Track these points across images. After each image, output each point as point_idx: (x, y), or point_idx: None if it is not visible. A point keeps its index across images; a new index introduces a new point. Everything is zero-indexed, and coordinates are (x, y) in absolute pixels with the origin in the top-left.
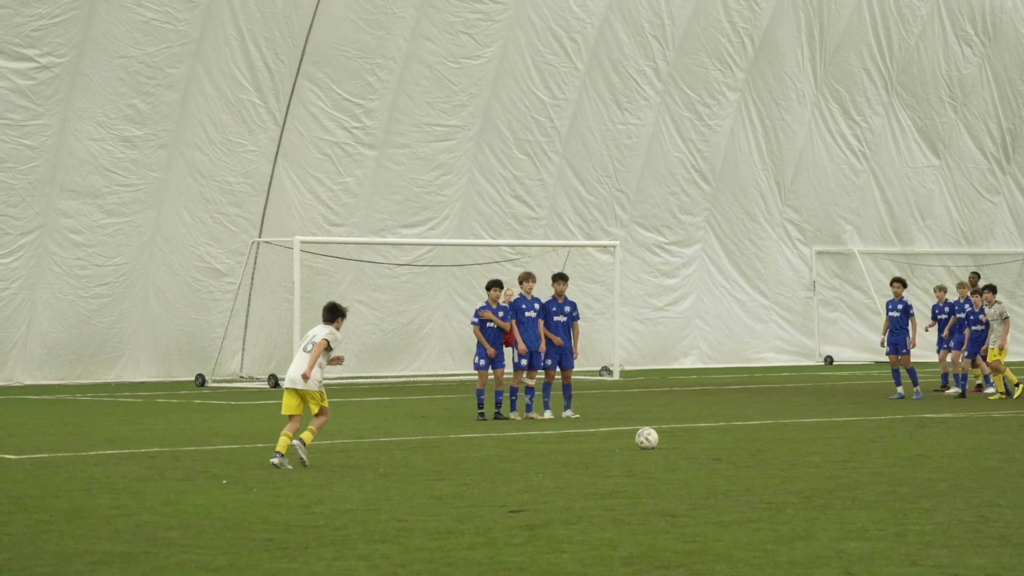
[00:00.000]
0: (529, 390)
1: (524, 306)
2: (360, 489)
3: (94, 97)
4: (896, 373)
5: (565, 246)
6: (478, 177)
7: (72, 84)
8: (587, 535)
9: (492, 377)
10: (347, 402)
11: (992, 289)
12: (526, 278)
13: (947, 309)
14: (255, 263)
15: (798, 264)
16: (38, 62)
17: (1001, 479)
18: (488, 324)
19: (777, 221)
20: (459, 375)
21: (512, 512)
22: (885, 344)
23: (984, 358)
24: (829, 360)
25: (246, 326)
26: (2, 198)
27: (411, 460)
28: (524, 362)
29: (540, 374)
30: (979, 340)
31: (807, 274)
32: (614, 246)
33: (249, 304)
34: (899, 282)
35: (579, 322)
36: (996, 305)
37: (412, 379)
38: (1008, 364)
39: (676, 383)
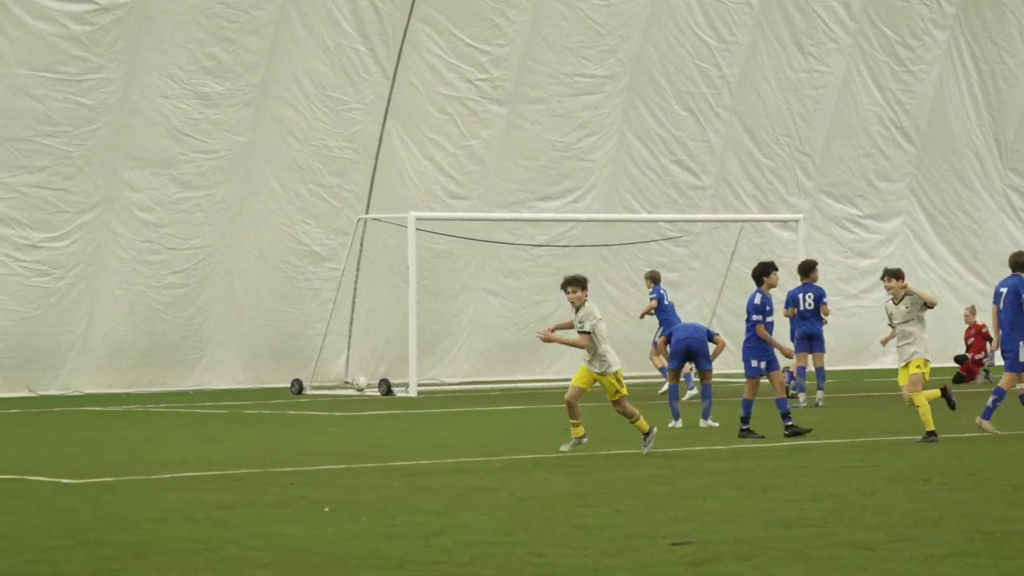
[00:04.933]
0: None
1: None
2: (491, 517)
3: (164, 45)
4: None
5: (737, 221)
6: (630, 138)
7: (138, 30)
8: (766, 572)
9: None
10: (474, 412)
11: None
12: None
13: None
14: (362, 244)
15: (1023, 240)
16: (97, 3)
17: None
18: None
19: (997, 188)
20: None
21: (674, 545)
22: None
23: None
24: None
25: (352, 321)
26: (56, 168)
27: (551, 482)
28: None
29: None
30: None
31: None
32: (797, 220)
33: (355, 294)
34: None
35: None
36: None
37: (552, 384)
38: None
39: (873, 387)
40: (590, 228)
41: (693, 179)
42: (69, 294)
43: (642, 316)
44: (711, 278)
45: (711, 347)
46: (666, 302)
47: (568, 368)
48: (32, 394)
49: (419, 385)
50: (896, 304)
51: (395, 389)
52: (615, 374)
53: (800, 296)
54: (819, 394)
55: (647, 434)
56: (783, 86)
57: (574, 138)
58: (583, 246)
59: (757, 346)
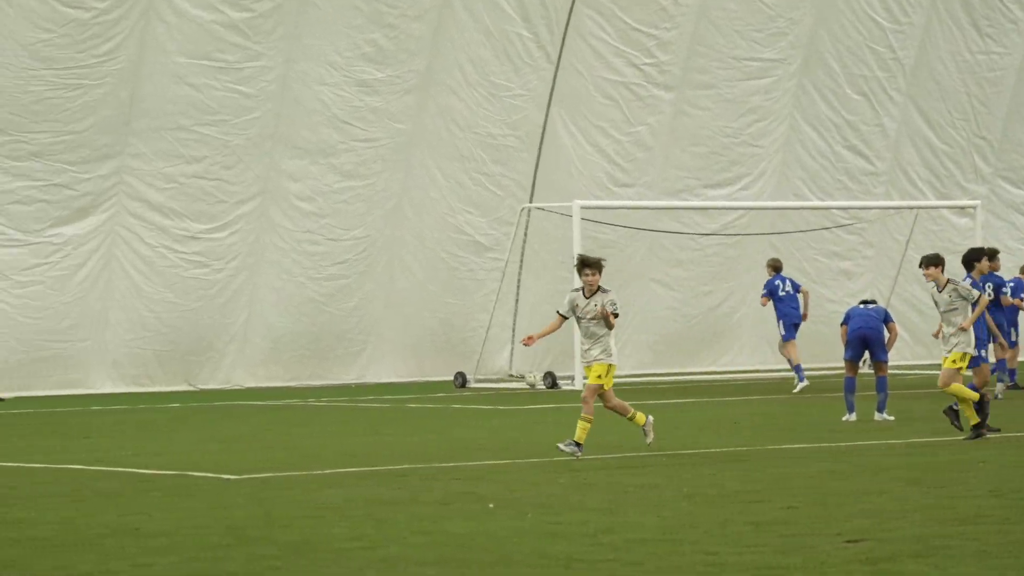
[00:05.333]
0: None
1: None
2: (658, 514)
3: (325, 32)
4: None
5: (912, 208)
6: (801, 123)
7: (298, 16)
8: (944, 571)
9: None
10: (640, 406)
11: None
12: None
13: None
14: (525, 234)
15: None
16: None
17: None
18: None
19: None
20: (780, 371)
21: (849, 542)
22: None
23: None
24: None
25: (516, 312)
26: (214, 159)
27: (721, 478)
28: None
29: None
30: None
31: None
32: (974, 207)
33: (519, 285)
34: None
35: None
36: None
37: (721, 376)
38: None
39: None
40: (760, 216)
41: (866, 165)
42: (229, 286)
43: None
44: (885, 267)
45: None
46: (780, 293)
47: (740, 360)
48: (192, 388)
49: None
50: (940, 292)
51: (560, 382)
52: (610, 366)
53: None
54: (999, 387)
55: (645, 426)
56: (960, 68)
57: (743, 124)
58: (753, 235)
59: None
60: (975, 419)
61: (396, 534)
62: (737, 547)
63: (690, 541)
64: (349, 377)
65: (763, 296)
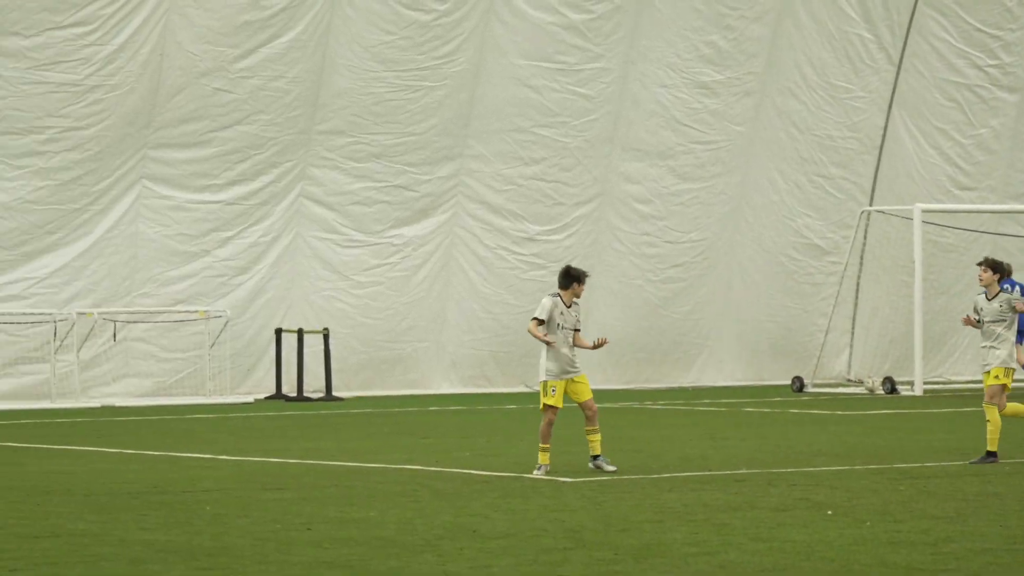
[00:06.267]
0: None
1: None
2: (1000, 523)
3: (664, 33)
4: None
5: None
6: None
7: (637, 18)
8: None
9: None
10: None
11: None
12: None
13: None
14: (865, 238)
15: None
16: None
17: None
18: None
19: None
20: None
21: None
22: None
23: None
24: None
25: (855, 317)
26: (552, 160)
27: None
28: None
29: None
30: None
31: None
32: None
33: (858, 289)
34: None
35: None
36: None
37: None
38: None
39: None
40: None
41: None
42: None
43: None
44: None
45: None
46: None
47: None
48: (528, 389)
49: (925, 384)
50: (989, 300)
51: (900, 387)
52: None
53: None
54: None
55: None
56: None
57: None
58: None
59: None
60: (994, 446)
61: (734, 540)
62: None
63: None
64: (685, 380)
65: None
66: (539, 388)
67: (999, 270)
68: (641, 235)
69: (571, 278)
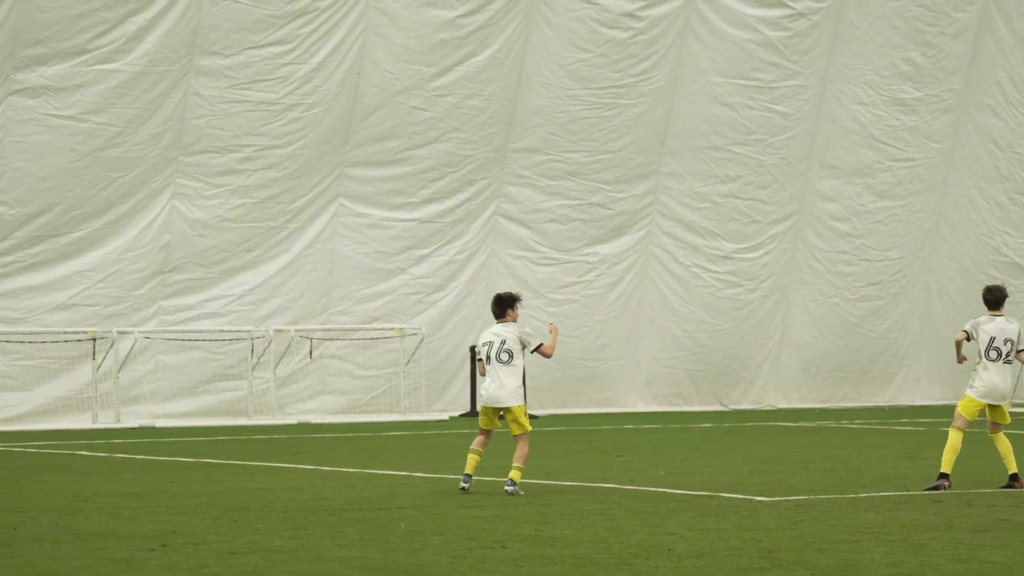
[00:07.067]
0: None
1: None
2: None
3: (861, 50)
4: None
5: None
6: None
7: (834, 35)
8: None
9: None
10: None
11: None
12: None
13: None
14: None
15: None
16: (792, 8)
17: None
18: None
19: None
20: None
21: None
22: None
23: None
24: None
25: None
26: (749, 178)
27: None
28: None
29: None
30: None
31: None
32: None
33: None
34: None
35: None
36: None
37: None
38: None
39: None
40: None
41: None
42: (762, 306)
43: None
44: None
45: None
46: None
47: None
48: (724, 408)
49: None
50: None
51: None
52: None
53: None
54: None
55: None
56: None
57: None
58: None
59: None
60: (1015, 467)
61: (932, 560)
62: None
63: None
64: (882, 399)
65: None
66: (518, 411)
67: None
68: (838, 253)
69: (511, 305)
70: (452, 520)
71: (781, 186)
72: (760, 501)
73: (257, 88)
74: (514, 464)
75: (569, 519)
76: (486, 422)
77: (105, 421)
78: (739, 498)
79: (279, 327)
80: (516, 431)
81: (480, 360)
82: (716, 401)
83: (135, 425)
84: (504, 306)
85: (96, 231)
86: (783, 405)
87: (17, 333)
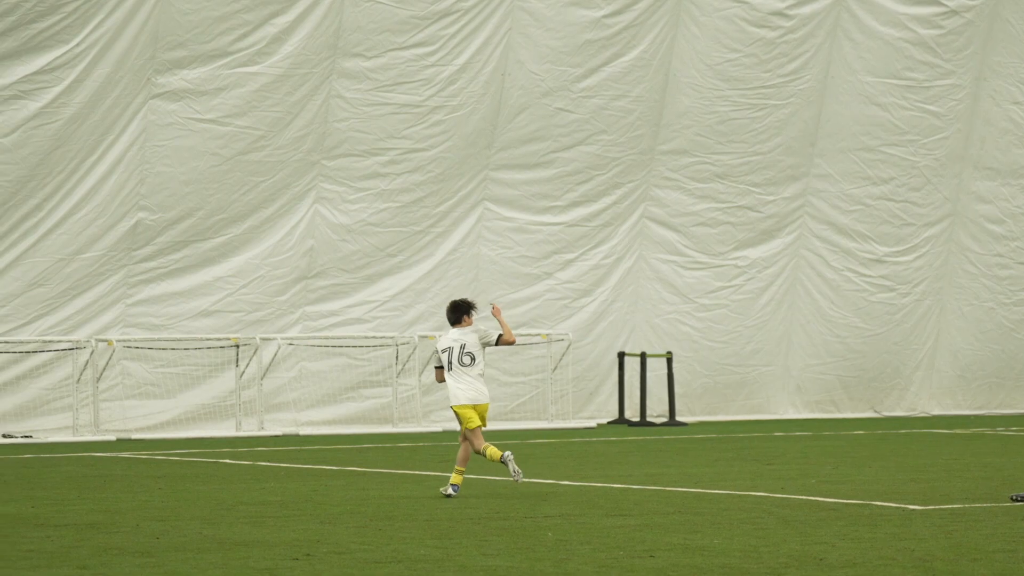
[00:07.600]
0: None
1: None
2: None
3: (1016, 48)
4: None
5: None
6: None
7: (989, 33)
8: None
9: None
10: None
11: None
12: None
13: None
14: None
15: None
16: (946, 5)
17: None
18: None
19: None
20: None
21: None
22: None
23: None
24: None
25: None
26: (901, 180)
27: None
28: None
29: None
30: None
31: None
32: None
33: None
34: None
35: None
36: None
37: None
38: None
39: None
40: None
41: None
42: (915, 311)
43: None
44: None
45: None
46: None
47: None
48: (877, 415)
49: None
50: None
51: None
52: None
53: None
54: None
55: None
56: None
57: None
58: None
59: None
60: None
61: None
62: None
63: None
64: None
65: None
66: (486, 408)
67: None
68: (993, 256)
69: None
70: (599, 529)
71: (935, 188)
72: (913, 510)
73: (400, 90)
74: (457, 467)
75: (718, 528)
76: (476, 418)
77: (248, 429)
78: (892, 507)
79: (424, 333)
80: (482, 424)
81: (438, 368)
82: (869, 408)
83: (279, 433)
84: (460, 312)
85: (239, 236)
86: (937, 412)
87: (160, 340)
